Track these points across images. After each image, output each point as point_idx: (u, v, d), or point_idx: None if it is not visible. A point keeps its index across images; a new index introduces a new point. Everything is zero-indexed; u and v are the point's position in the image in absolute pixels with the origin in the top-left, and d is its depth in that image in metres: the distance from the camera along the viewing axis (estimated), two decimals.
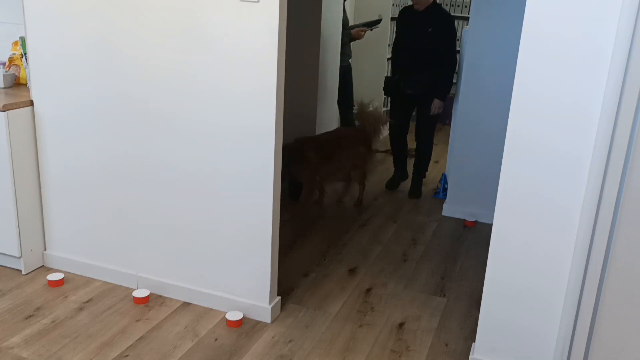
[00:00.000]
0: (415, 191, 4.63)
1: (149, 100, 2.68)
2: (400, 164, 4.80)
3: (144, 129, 2.72)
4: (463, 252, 3.65)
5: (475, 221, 4.08)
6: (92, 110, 2.80)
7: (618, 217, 1.96)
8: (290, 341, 2.61)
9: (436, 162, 5.64)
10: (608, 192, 1.95)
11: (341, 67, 5.25)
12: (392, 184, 4.78)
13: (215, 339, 2.58)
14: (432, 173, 5.28)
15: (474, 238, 3.85)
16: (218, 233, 2.73)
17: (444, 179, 4.61)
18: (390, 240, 3.76)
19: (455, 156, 4.15)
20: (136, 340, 2.53)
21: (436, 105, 4.31)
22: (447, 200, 4.26)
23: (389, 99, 4.93)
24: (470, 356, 2.45)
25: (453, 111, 4.23)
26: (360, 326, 2.76)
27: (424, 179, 4.74)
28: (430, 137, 4.54)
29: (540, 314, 2.30)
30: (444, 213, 4.26)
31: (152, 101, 2.67)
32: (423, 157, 4.61)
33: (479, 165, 4.00)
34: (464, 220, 4.13)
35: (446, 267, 3.43)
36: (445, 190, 4.50)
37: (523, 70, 2.09)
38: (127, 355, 2.42)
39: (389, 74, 5.51)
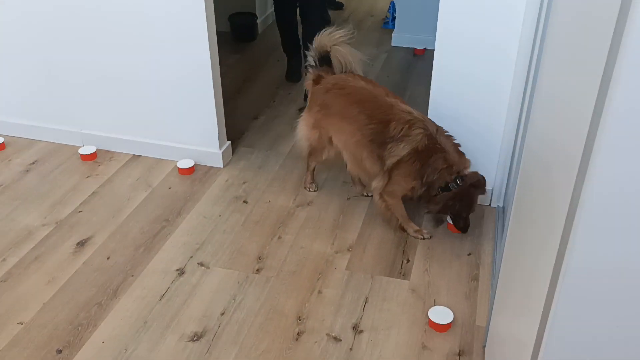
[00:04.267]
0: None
1: None
2: (295, 52, 3.64)
3: None
4: (413, 80, 3.64)
5: (425, 49, 4.01)
6: None
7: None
8: (244, 182, 2.65)
9: None
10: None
11: None
12: (293, 75, 3.64)
13: (169, 188, 2.60)
14: (381, 3, 5.08)
15: (423, 66, 3.81)
16: (158, 82, 2.62)
17: (392, 8, 4.45)
18: None
19: None
20: (89, 196, 2.53)
21: None
22: (395, 29, 4.15)
23: None
24: None
25: None
26: None
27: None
28: (323, 13, 3.62)
29: (486, 128, 2.35)
30: (393, 43, 4.16)
31: None
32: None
33: None
34: (414, 48, 4.06)
35: None
36: (394, 19, 4.36)
37: None
38: (81, 211, 2.43)
39: None
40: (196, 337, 1.86)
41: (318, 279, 2.11)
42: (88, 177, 2.66)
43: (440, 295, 2.03)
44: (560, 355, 0.86)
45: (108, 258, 2.18)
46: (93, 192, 2.55)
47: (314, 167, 2.58)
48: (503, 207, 2.40)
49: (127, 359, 1.79)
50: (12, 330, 1.87)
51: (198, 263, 2.17)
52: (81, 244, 2.25)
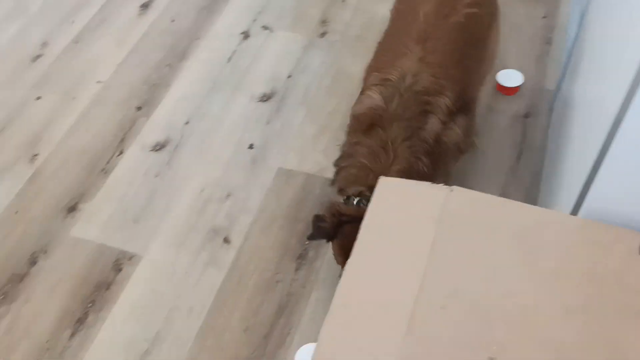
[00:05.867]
0: None
1: None
2: None
3: None
4: None
5: None
6: None
7: None
8: None
9: None
10: None
11: None
12: None
13: None
14: None
15: None
16: None
17: None
18: None
19: None
20: None
21: None
22: None
23: None
24: None
25: None
26: None
27: None
28: None
29: None
30: None
31: None
32: None
33: None
34: None
35: None
36: None
37: None
38: None
39: None
40: (265, 98, 1.93)
41: None
42: None
43: (510, 60, 1.98)
44: None
45: (173, 20, 2.18)
46: None
47: None
48: None
49: (202, 116, 1.89)
50: (93, 88, 1.97)
51: (262, 26, 2.15)
52: (144, 6, 2.23)
